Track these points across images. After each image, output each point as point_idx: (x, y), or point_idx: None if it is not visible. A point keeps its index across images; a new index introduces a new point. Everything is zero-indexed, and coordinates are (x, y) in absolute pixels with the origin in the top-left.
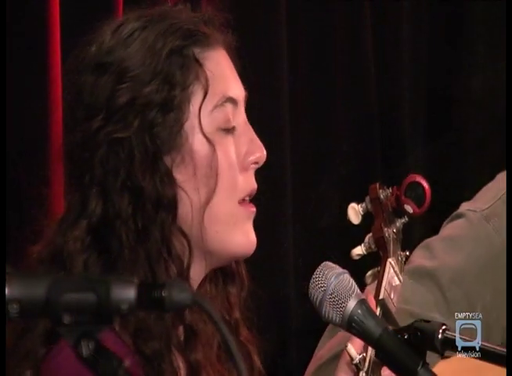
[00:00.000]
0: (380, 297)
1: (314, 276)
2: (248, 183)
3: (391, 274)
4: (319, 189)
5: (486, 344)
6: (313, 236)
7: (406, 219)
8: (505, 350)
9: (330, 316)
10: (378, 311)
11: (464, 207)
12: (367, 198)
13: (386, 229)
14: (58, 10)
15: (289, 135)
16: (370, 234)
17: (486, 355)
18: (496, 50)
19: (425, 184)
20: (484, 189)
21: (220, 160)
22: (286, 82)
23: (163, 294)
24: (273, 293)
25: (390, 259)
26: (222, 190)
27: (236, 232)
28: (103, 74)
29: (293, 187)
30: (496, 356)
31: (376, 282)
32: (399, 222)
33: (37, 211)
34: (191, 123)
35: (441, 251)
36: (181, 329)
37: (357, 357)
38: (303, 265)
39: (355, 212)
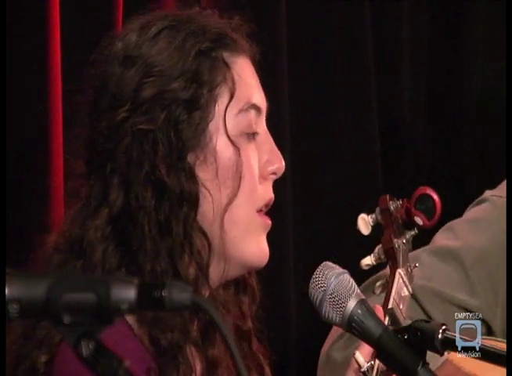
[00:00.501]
0: (389, 307)
1: (314, 276)
2: (266, 193)
3: (400, 285)
4: (319, 189)
5: (486, 344)
6: (313, 237)
7: (416, 231)
8: (505, 350)
9: (330, 316)
10: (387, 321)
11: (488, 193)
12: (377, 209)
13: (396, 240)
14: (58, 10)
15: (289, 135)
16: (380, 245)
17: (486, 355)
18: (496, 50)
19: (435, 197)
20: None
21: (244, 165)
22: (286, 82)
23: (163, 294)
24: (274, 297)
25: (399, 270)
26: (243, 195)
27: (251, 241)
28: (131, 66)
29: (293, 187)
30: (496, 356)
31: (385, 292)
32: (409, 234)
33: (37, 211)
34: (216, 123)
35: (465, 231)
36: (197, 324)
37: (365, 365)
38: (303, 266)
39: (364, 223)
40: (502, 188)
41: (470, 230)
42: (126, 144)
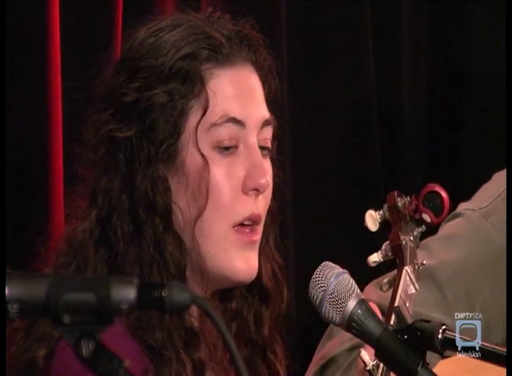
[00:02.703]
0: (395, 305)
1: (314, 276)
2: (245, 208)
3: (407, 282)
4: (319, 189)
5: (486, 344)
6: (313, 237)
7: (424, 228)
8: (505, 350)
9: (330, 316)
10: (393, 319)
11: (462, 206)
12: (385, 206)
13: (403, 236)
14: (58, 10)
15: (289, 135)
16: (387, 242)
17: (486, 355)
18: (496, 50)
19: (443, 194)
20: (482, 188)
21: (212, 179)
22: (285, 82)
23: (163, 294)
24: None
25: (406, 267)
26: (213, 209)
27: (228, 257)
28: (121, 69)
29: (293, 187)
30: (496, 356)
31: (391, 290)
32: (417, 231)
33: (37, 211)
34: (187, 136)
35: (440, 249)
36: (183, 331)
37: (370, 363)
38: (303, 266)
39: (372, 219)
40: (476, 199)
41: (445, 248)
42: (104, 149)
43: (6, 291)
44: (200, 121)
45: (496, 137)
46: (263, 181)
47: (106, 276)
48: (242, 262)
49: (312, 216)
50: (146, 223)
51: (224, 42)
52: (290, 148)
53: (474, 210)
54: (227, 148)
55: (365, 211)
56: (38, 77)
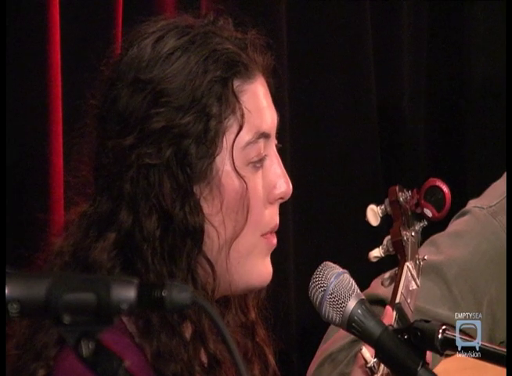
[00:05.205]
0: (397, 301)
1: (314, 276)
2: (272, 218)
3: (408, 278)
4: (319, 189)
5: (486, 344)
6: (313, 237)
7: (425, 223)
8: (505, 350)
9: (330, 316)
10: (394, 315)
11: (471, 204)
12: (386, 200)
13: (404, 232)
14: (58, 10)
15: (289, 135)
16: (389, 237)
17: (486, 355)
18: (496, 50)
19: (445, 188)
20: (492, 186)
21: (249, 196)
22: (285, 82)
23: (163, 294)
24: (274, 297)
25: (407, 263)
26: (249, 225)
27: (256, 262)
28: (141, 90)
29: (293, 187)
30: (496, 356)
31: (392, 285)
32: (418, 226)
33: (37, 211)
34: (223, 156)
35: (448, 246)
36: (204, 357)
37: (371, 360)
38: (303, 266)
39: (373, 214)
40: (485, 197)
41: (452, 244)
42: (132, 174)
43: (6, 291)
44: (235, 140)
45: (497, 133)
46: (288, 189)
47: (106, 276)
48: (266, 267)
49: (312, 216)
50: (180, 249)
51: (241, 54)
52: (289, 147)
53: (483, 208)
54: (259, 163)
55: (367, 205)
56: (38, 77)
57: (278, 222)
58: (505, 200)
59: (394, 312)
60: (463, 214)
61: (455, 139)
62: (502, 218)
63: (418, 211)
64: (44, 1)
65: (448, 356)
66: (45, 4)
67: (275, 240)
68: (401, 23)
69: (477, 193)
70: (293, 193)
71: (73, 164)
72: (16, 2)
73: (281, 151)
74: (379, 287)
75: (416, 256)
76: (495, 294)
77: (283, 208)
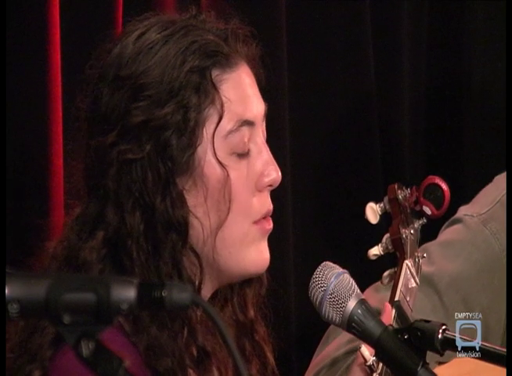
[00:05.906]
0: (396, 299)
1: (314, 276)
2: (263, 205)
3: (408, 276)
4: (319, 189)
5: (486, 344)
6: (313, 237)
7: (425, 221)
8: (505, 350)
9: (330, 316)
10: (393, 313)
11: (462, 211)
12: (385, 198)
13: (404, 230)
14: (58, 10)
15: (289, 135)
16: (388, 234)
17: (486, 355)
18: (496, 50)
19: (444, 186)
20: (483, 192)
21: (233, 185)
22: (286, 82)
23: (163, 294)
24: (274, 296)
25: (407, 261)
26: (235, 214)
27: (249, 250)
28: (121, 87)
29: (293, 187)
30: (496, 356)
31: (392, 283)
32: (417, 224)
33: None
34: (204, 147)
35: (439, 256)
36: (195, 350)
37: (370, 359)
38: (303, 266)
39: (373, 212)
40: (475, 204)
41: (443, 254)
42: (114, 171)
43: (6, 291)
44: (215, 130)
45: (496, 131)
46: (278, 175)
47: (106, 276)
48: (261, 253)
49: (312, 216)
50: (164, 243)
51: (222, 44)
52: (289, 147)
53: (473, 216)
54: (244, 153)
55: (366, 203)
56: (38, 77)
57: (271, 207)
58: (496, 207)
59: (393, 310)
60: (454, 222)
61: (454, 137)
62: (493, 226)
63: (417, 208)
64: (44, 1)
65: (442, 363)
66: (45, 4)
67: (269, 225)
68: (401, 23)
69: (476, 190)
70: (292, 191)
71: (69, 170)
72: (16, 2)
73: (281, 150)
74: (371, 296)
75: (416, 254)
76: (487, 303)
77: (283, 208)
